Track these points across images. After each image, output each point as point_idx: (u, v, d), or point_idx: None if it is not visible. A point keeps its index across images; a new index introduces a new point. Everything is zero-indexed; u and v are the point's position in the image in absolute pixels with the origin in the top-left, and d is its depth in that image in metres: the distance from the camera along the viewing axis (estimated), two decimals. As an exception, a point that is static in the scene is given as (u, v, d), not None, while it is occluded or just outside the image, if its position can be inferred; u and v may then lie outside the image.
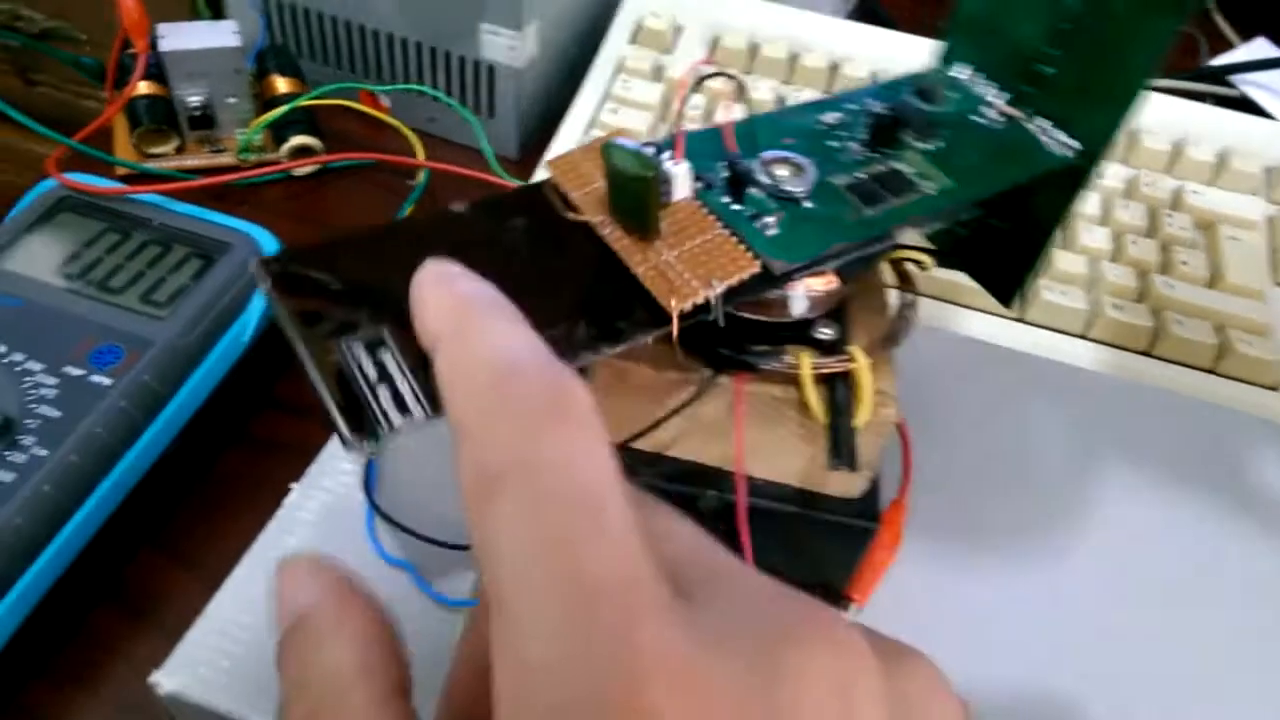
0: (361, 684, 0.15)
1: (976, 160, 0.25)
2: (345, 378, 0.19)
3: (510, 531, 0.13)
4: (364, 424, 0.18)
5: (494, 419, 0.14)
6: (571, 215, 0.23)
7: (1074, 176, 0.25)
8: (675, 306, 0.21)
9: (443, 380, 0.15)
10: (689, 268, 0.22)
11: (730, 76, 0.27)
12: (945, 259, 0.28)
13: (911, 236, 0.27)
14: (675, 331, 0.21)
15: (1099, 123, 0.24)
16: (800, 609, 0.14)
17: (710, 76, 0.24)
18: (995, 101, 0.26)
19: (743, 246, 0.22)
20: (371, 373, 0.19)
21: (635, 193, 0.21)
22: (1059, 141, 0.25)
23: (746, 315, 0.25)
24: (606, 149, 0.21)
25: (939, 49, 0.28)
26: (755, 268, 0.22)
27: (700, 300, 0.21)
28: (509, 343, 0.15)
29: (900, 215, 0.24)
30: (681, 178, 0.23)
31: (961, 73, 0.27)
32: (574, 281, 0.22)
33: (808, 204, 0.24)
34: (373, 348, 0.19)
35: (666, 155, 0.23)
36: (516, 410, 0.14)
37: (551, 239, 0.23)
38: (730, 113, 0.25)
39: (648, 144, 0.23)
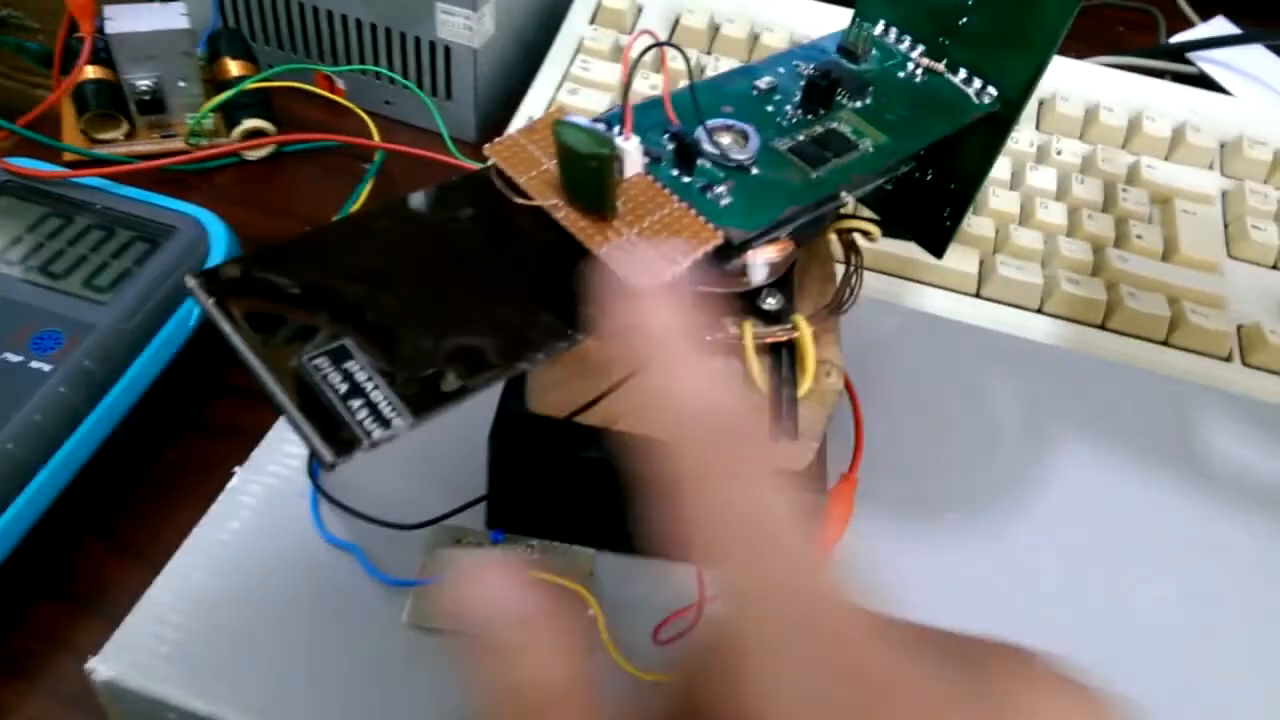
0: (563, 703, 0.15)
1: (906, 114, 0.25)
2: (312, 393, 0.18)
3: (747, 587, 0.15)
4: (341, 441, 0.18)
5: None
6: (520, 200, 0.22)
7: (996, 125, 0.26)
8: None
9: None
10: (653, 245, 0.21)
11: (675, 47, 0.26)
12: (888, 228, 0.28)
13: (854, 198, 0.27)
14: None
15: (1018, 69, 0.25)
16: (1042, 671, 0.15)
17: (654, 47, 0.23)
18: (914, 56, 0.27)
19: (703, 218, 0.22)
20: (341, 386, 0.18)
21: (591, 172, 0.21)
22: (979, 91, 0.26)
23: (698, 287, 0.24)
24: (558, 128, 0.21)
25: (855, 7, 0.28)
26: (718, 238, 0.22)
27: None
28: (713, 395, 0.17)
29: (845, 174, 0.24)
30: (633, 153, 0.23)
31: (877, 29, 0.28)
32: (532, 270, 0.21)
33: (755, 170, 0.24)
34: (337, 359, 0.19)
35: (616, 131, 0.23)
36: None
37: (504, 227, 0.22)
38: (666, 82, 0.25)
39: (597, 120, 0.23)
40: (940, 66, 0.26)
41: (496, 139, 0.23)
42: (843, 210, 0.27)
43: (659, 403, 0.16)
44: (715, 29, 0.50)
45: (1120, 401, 0.36)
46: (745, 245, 0.22)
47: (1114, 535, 0.32)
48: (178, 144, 0.45)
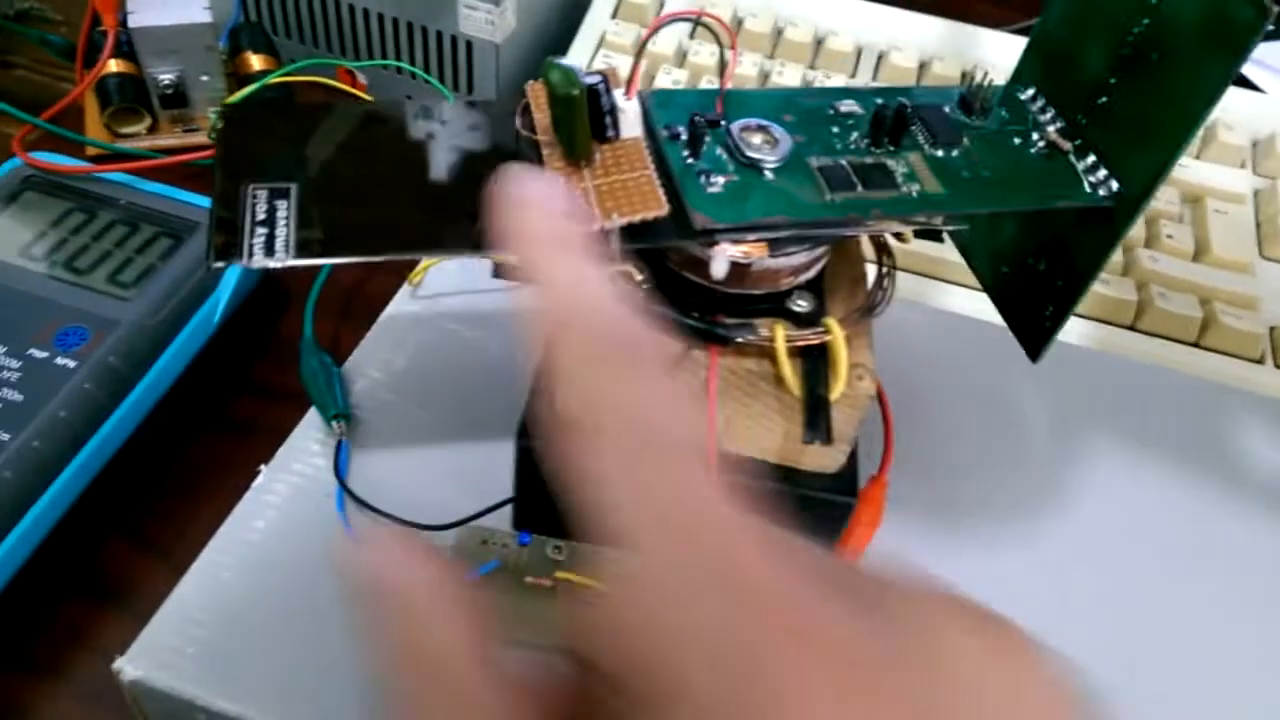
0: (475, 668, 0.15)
1: (989, 177, 0.24)
2: (234, 210, 0.21)
3: (605, 469, 0.14)
4: (225, 252, 0.21)
5: (593, 368, 0.15)
6: (526, 134, 0.24)
7: (1111, 222, 0.24)
8: None
9: (540, 302, 0.16)
10: (601, 198, 0.22)
11: (704, 26, 0.27)
12: (993, 299, 0.27)
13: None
14: None
15: (1143, 164, 0.23)
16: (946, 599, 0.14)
17: (682, 20, 0.24)
18: (1048, 128, 0.25)
19: (661, 191, 0.22)
20: (260, 213, 0.21)
21: (562, 110, 0.22)
22: (1099, 181, 0.24)
23: (720, 288, 0.24)
24: (545, 65, 0.22)
25: (1014, 69, 0.27)
26: (662, 211, 0.22)
27: (595, 227, 0.22)
28: (600, 281, 0.16)
29: (865, 207, 0.23)
30: (631, 115, 0.24)
31: (1026, 93, 0.26)
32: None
33: (769, 174, 0.24)
34: (275, 195, 0.22)
35: (620, 91, 0.24)
36: (614, 364, 0.15)
37: (507, 153, 0.24)
38: (730, 80, 0.26)
39: (594, 72, 0.23)
40: (1067, 145, 0.25)
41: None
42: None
43: (535, 304, 0.16)
44: (739, 23, 0.49)
45: (1151, 403, 0.35)
46: (709, 234, 0.22)
47: (1145, 539, 0.31)
48: (200, 138, 0.45)
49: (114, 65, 0.44)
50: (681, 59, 0.47)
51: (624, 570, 0.13)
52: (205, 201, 0.36)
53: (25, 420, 0.29)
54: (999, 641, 0.13)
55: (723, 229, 0.22)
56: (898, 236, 0.28)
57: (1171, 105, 0.22)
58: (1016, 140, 0.25)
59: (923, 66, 0.48)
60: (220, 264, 0.21)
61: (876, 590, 0.14)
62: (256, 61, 0.46)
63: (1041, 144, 0.25)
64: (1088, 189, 0.24)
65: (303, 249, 0.21)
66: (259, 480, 0.29)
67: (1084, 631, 0.29)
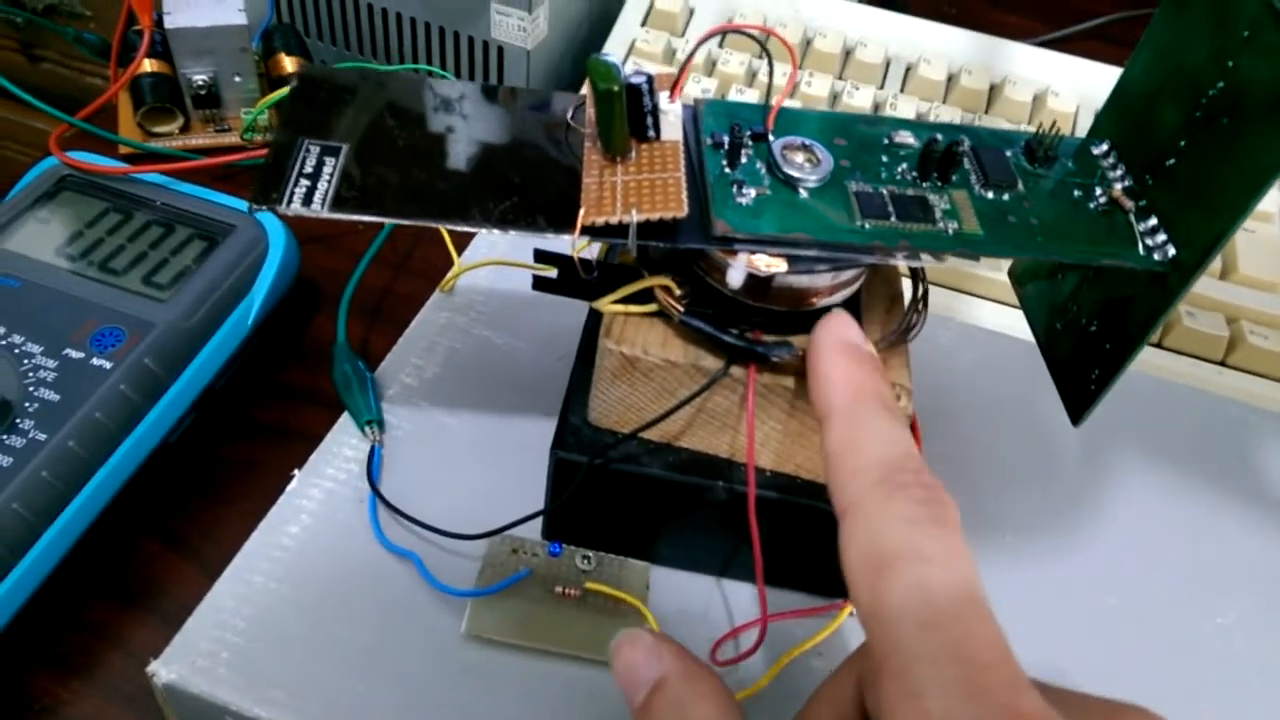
0: None
1: (1037, 225, 0.24)
2: (285, 160, 0.23)
3: (903, 606, 0.16)
4: (268, 197, 0.23)
5: (885, 510, 0.17)
6: (575, 125, 0.25)
7: (1164, 288, 0.23)
8: (583, 218, 0.23)
9: (834, 459, 0.19)
10: (626, 193, 0.23)
11: (753, 38, 0.28)
12: (1044, 354, 0.27)
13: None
14: (575, 238, 0.23)
15: (1202, 231, 0.22)
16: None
17: (732, 31, 0.24)
18: (1115, 185, 0.25)
19: (685, 194, 0.23)
20: (308, 167, 0.23)
21: (601, 104, 0.23)
22: (1157, 245, 0.23)
23: (757, 304, 0.24)
24: (590, 60, 0.23)
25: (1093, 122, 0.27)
26: (681, 212, 0.22)
27: (612, 220, 0.22)
28: (897, 440, 0.19)
29: (891, 236, 0.23)
30: (674, 117, 0.25)
31: (1101, 147, 0.26)
32: (539, 171, 0.25)
33: (803, 193, 0.24)
34: (326, 152, 0.24)
35: (664, 94, 0.24)
36: (905, 507, 0.17)
37: (554, 140, 0.26)
38: (788, 99, 0.26)
39: (640, 73, 0.24)
40: (1130, 204, 0.24)
41: None
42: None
43: (840, 454, 0.19)
44: (767, 34, 0.49)
45: (1177, 422, 0.35)
46: (727, 241, 0.23)
47: (1172, 559, 0.31)
48: (232, 138, 0.45)
49: (148, 65, 0.44)
50: (711, 68, 0.47)
51: None
52: (240, 204, 0.37)
53: (62, 420, 0.30)
54: None
55: (740, 238, 0.23)
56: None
57: (1235, 173, 0.21)
58: (1077, 193, 0.24)
59: (951, 79, 0.48)
60: (259, 207, 0.23)
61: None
62: (289, 63, 0.46)
63: (1103, 200, 0.24)
64: (1141, 251, 0.23)
65: (337, 203, 0.23)
66: (292, 485, 0.29)
67: (1107, 648, 0.29)
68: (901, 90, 0.48)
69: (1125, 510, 0.32)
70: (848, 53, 0.49)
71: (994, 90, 0.48)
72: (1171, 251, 0.23)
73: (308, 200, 0.22)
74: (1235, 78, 0.22)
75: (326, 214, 0.22)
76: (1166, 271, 0.23)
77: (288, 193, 0.23)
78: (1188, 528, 0.32)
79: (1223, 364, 0.40)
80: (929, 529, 0.17)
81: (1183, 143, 0.23)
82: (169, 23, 0.43)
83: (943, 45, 0.49)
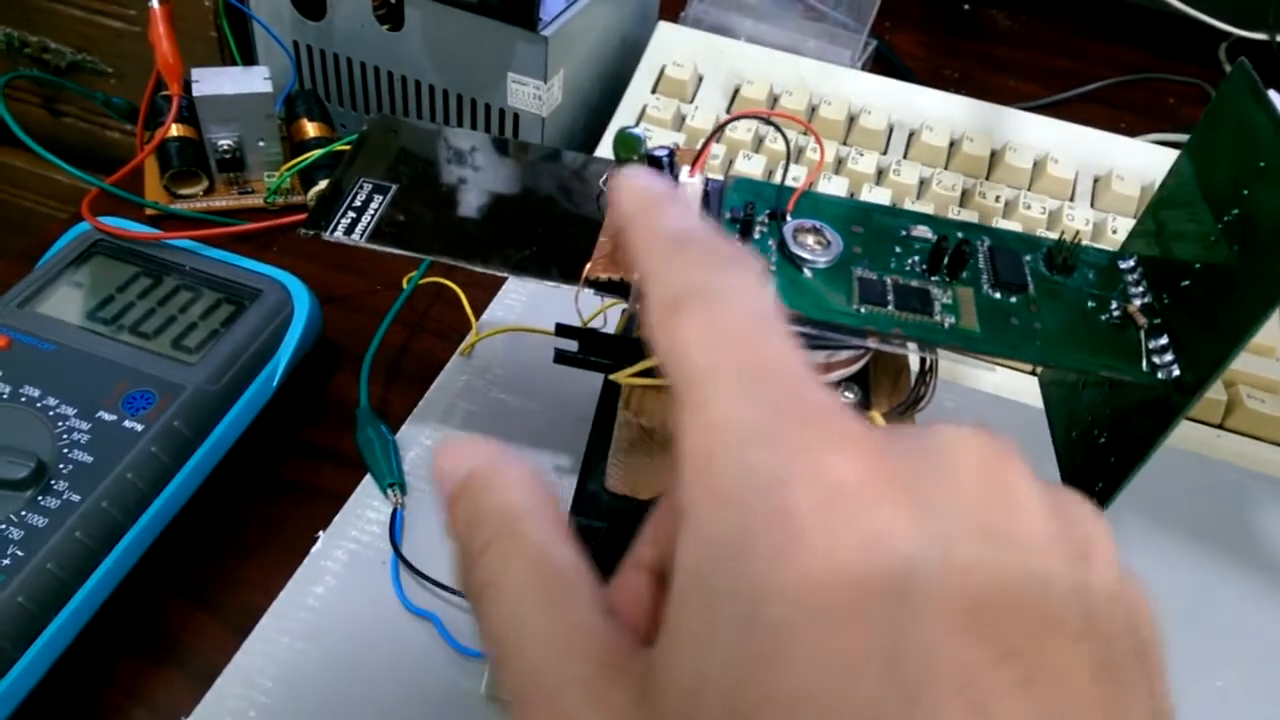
0: (530, 514, 0.16)
1: (1040, 329, 0.24)
2: (338, 194, 0.27)
3: (697, 334, 0.15)
4: (316, 223, 0.26)
5: (677, 261, 0.17)
6: (604, 189, 0.28)
7: (1166, 408, 0.23)
8: (588, 271, 0.25)
9: (634, 247, 0.18)
10: (622, 253, 0.25)
11: (775, 126, 0.29)
12: (1058, 460, 0.28)
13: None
14: (577, 291, 0.25)
15: (1206, 353, 0.23)
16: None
17: (752, 119, 0.26)
18: (1133, 300, 0.25)
19: None
20: (358, 201, 0.26)
21: None
22: (1163, 365, 0.24)
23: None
24: (618, 132, 0.25)
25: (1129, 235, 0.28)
26: None
27: (614, 277, 0.25)
28: (687, 216, 0.18)
29: (885, 323, 0.24)
30: (693, 191, 0.27)
31: (1128, 262, 0.26)
32: (563, 228, 0.27)
33: (807, 273, 0.25)
34: (376, 190, 0.27)
35: (685, 169, 0.27)
36: (696, 254, 0.17)
37: (584, 202, 0.28)
38: (814, 183, 0.28)
39: (662, 148, 0.26)
40: (1143, 321, 0.25)
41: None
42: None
43: (635, 241, 0.18)
44: (774, 99, 0.51)
45: (1176, 486, 0.36)
46: None
47: (1172, 623, 0.32)
48: (254, 200, 0.47)
49: (175, 129, 0.46)
50: (758, 144, 0.49)
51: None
52: (266, 269, 0.38)
53: (95, 482, 0.30)
54: (991, 440, 0.15)
55: None
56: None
57: (1240, 299, 0.22)
58: (1091, 303, 0.25)
59: (953, 145, 0.50)
60: (307, 232, 0.25)
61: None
62: (311, 128, 0.47)
63: (1117, 313, 0.25)
64: (1145, 367, 0.24)
65: (375, 235, 0.26)
66: (317, 546, 0.30)
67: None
68: (905, 156, 0.49)
69: (1127, 573, 0.33)
70: (852, 119, 0.50)
71: (995, 156, 0.49)
72: (1176, 372, 0.23)
73: (350, 230, 0.26)
74: (1249, 206, 0.22)
75: (364, 244, 0.25)
76: (1169, 390, 0.23)
77: (334, 223, 0.26)
78: (1187, 591, 0.33)
79: (1221, 427, 0.41)
80: (722, 271, 0.16)
81: (1198, 265, 0.24)
82: (197, 90, 0.44)
83: (945, 112, 0.51)
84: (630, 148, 0.25)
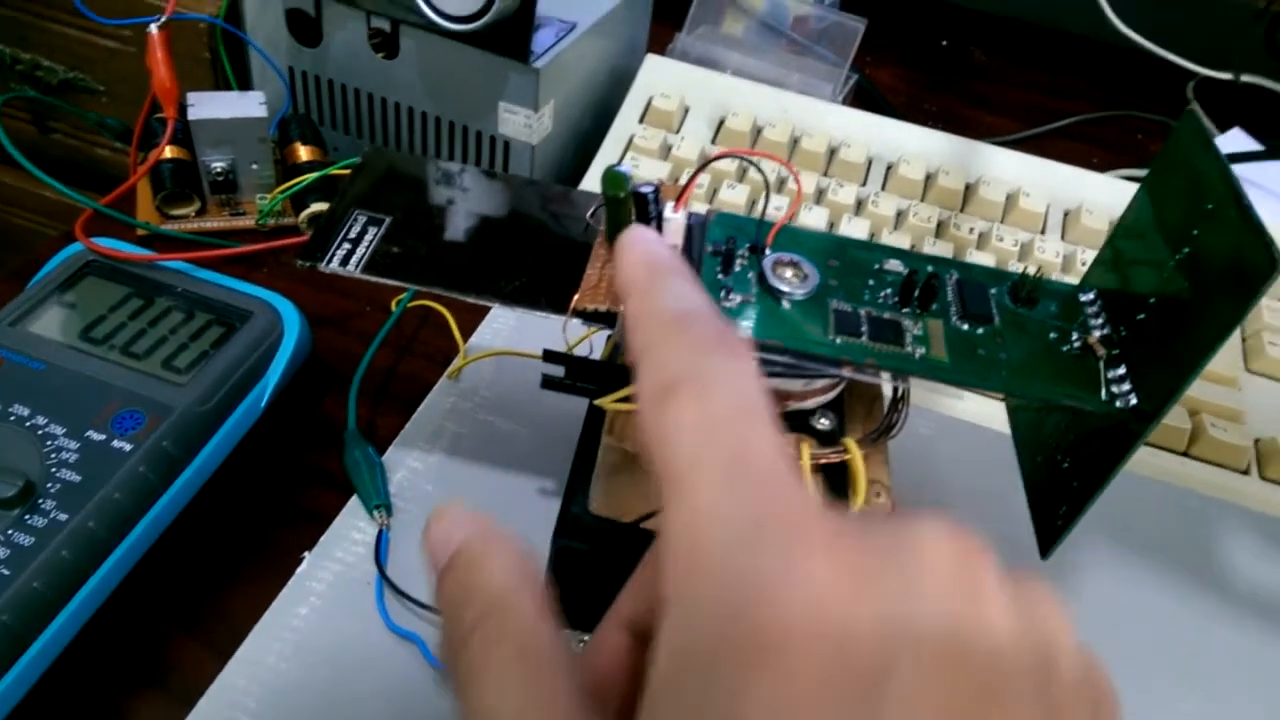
0: (516, 595, 0.17)
1: (1005, 359, 0.25)
2: (334, 225, 0.27)
3: (684, 421, 0.16)
4: (312, 254, 0.26)
5: (673, 343, 0.17)
6: (592, 222, 0.29)
7: (1124, 435, 0.24)
8: (576, 302, 0.26)
9: (631, 321, 0.18)
10: (610, 284, 0.26)
11: (756, 165, 0.30)
12: (1025, 485, 0.28)
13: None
14: (565, 320, 0.26)
15: (1160, 384, 0.24)
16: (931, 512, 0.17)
17: (728, 156, 0.27)
18: (1093, 333, 0.26)
19: None
20: (353, 233, 0.27)
21: (611, 208, 0.26)
22: (1120, 394, 0.25)
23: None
24: (606, 170, 0.26)
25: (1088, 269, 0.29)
26: None
27: (600, 307, 0.26)
28: (689, 296, 0.18)
29: (859, 353, 0.25)
30: (676, 226, 0.27)
31: (1088, 295, 0.27)
32: (552, 259, 0.28)
33: (786, 305, 0.26)
34: (371, 222, 0.28)
35: (669, 204, 0.28)
36: (692, 339, 0.17)
37: (573, 234, 0.29)
38: (793, 217, 0.29)
39: (647, 184, 0.26)
40: (1102, 351, 0.25)
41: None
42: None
43: (635, 315, 0.18)
44: (758, 131, 0.52)
45: (1142, 513, 0.37)
46: None
47: (1135, 650, 0.33)
48: (246, 221, 0.47)
49: (169, 151, 0.46)
50: (742, 174, 0.50)
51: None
52: (258, 291, 0.39)
53: (83, 501, 0.31)
54: (961, 538, 0.15)
55: None
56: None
57: (1190, 333, 0.23)
58: (1053, 335, 0.26)
59: (929, 178, 0.51)
60: (304, 263, 0.26)
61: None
62: (304, 152, 0.48)
63: (1077, 344, 0.26)
64: (1104, 396, 0.25)
65: (370, 266, 0.26)
66: (302, 567, 0.31)
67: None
68: (883, 188, 0.51)
69: (1090, 599, 0.34)
70: (833, 151, 0.52)
71: (969, 189, 0.51)
72: (1134, 400, 0.24)
73: (345, 261, 0.26)
74: (1198, 245, 0.24)
75: (359, 275, 0.26)
76: (1127, 418, 0.24)
77: (330, 254, 0.26)
78: (1151, 617, 0.34)
79: (1185, 454, 0.42)
80: (715, 357, 0.17)
81: (1153, 299, 0.25)
82: (193, 114, 0.45)
83: (922, 146, 0.52)
84: (617, 185, 0.25)
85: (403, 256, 0.27)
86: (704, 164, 0.30)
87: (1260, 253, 0.21)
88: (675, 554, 0.14)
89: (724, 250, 0.27)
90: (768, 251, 0.27)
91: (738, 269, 0.27)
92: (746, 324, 0.25)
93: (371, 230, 0.28)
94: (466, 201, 0.30)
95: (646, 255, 0.20)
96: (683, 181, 0.28)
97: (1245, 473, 0.41)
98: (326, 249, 0.27)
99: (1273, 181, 0.58)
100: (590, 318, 0.25)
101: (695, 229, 0.28)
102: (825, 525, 0.14)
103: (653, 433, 0.16)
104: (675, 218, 0.28)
